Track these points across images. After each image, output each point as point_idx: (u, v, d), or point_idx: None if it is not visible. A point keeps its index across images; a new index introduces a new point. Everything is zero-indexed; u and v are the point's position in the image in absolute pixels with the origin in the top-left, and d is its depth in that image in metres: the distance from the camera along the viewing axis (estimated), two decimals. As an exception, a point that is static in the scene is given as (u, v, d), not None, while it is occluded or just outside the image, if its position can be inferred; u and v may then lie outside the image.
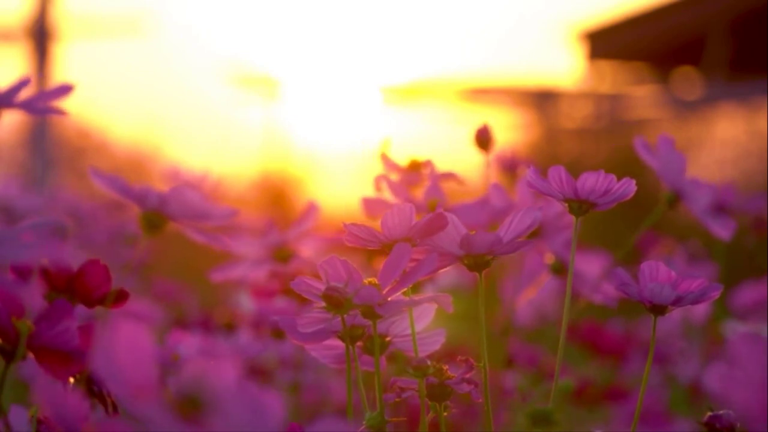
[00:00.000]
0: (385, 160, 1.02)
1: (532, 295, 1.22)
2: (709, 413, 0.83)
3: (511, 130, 8.39)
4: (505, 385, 1.31)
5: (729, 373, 0.56)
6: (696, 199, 1.02)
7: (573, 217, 0.80)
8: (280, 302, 1.19)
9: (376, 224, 0.77)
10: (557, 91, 8.40)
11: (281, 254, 1.11)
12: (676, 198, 1.02)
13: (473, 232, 0.76)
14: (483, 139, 1.03)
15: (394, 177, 1.01)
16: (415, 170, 1.01)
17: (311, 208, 1.11)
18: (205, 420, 0.55)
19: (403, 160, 1.02)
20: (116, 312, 0.79)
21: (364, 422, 0.77)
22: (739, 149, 7.42)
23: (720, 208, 1.41)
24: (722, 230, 1.03)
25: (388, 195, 1.00)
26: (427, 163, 1.01)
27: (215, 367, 0.56)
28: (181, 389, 0.56)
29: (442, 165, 1.03)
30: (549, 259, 1.14)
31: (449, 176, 1.01)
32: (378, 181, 1.00)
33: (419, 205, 0.98)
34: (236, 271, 1.12)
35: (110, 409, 0.78)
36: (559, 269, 1.13)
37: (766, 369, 0.56)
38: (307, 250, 1.12)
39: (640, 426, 1.37)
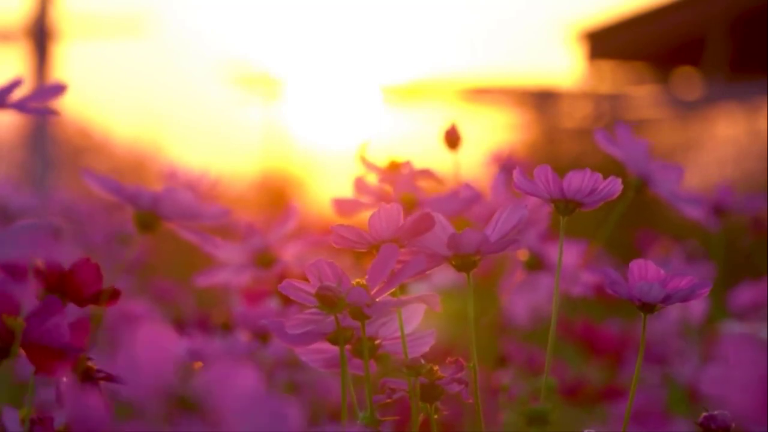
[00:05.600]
0: (364, 161, 1.02)
1: (516, 289, 1.22)
2: (705, 413, 0.83)
3: (511, 130, 8.39)
4: (498, 385, 1.31)
5: (721, 373, 0.56)
6: (663, 182, 1.02)
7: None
8: (267, 305, 1.19)
9: (363, 225, 0.77)
10: (557, 91, 8.40)
11: (264, 259, 1.11)
12: (644, 184, 1.02)
13: (460, 232, 0.76)
14: (451, 138, 1.03)
15: (372, 178, 1.01)
16: (394, 170, 1.01)
17: (291, 211, 1.11)
18: (222, 426, 0.55)
19: (382, 160, 1.02)
20: (110, 311, 0.79)
21: (357, 422, 0.77)
22: (739, 149, 7.42)
23: (717, 209, 1.41)
24: (694, 212, 1.03)
25: (364, 196, 1.00)
26: (406, 163, 1.01)
27: (234, 373, 0.56)
28: (198, 393, 0.56)
29: (441, 166, 1.03)
30: (523, 254, 1.14)
31: (427, 174, 1.01)
32: (356, 183, 1.00)
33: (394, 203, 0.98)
34: (220, 276, 1.11)
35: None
36: (534, 264, 1.13)
37: (759, 369, 0.55)
38: (289, 254, 1.12)
39: (638, 426, 1.37)
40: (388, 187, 1.00)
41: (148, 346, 0.56)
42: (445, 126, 1.03)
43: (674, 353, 1.58)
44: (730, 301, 1.54)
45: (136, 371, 0.56)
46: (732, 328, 1.51)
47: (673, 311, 1.57)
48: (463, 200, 0.98)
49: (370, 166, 1.02)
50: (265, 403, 0.55)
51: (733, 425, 0.82)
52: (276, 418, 0.55)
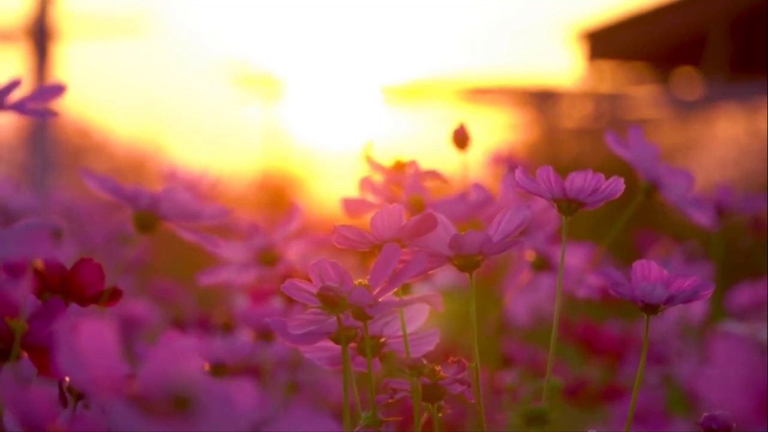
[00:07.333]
0: (369, 161, 1.02)
1: (520, 290, 1.22)
2: (705, 413, 0.83)
3: (511, 130, 8.39)
4: (501, 385, 1.31)
5: (710, 373, 0.56)
6: (672, 187, 1.02)
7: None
8: (270, 303, 1.19)
9: (365, 225, 0.77)
10: (557, 91, 8.39)
11: (267, 257, 1.11)
12: (653, 188, 1.02)
13: (462, 232, 0.76)
14: (460, 138, 1.03)
15: (378, 177, 1.01)
16: (400, 170, 1.01)
17: (295, 210, 1.11)
18: (171, 414, 0.54)
19: (387, 160, 1.02)
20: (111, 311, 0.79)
21: (359, 423, 0.77)
22: (739, 149, 7.42)
23: (717, 209, 1.41)
24: (702, 217, 1.03)
25: (371, 196, 1.00)
26: (412, 163, 1.01)
27: (181, 360, 0.55)
28: (147, 383, 0.55)
29: (441, 166, 1.02)
30: (530, 255, 1.14)
31: (433, 174, 1.00)
32: (362, 182, 1.00)
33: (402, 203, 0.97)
34: (223, 275, 1.11)
35: (69, 405, 0.77)
36: (541, 265, 1.13)
37: (748, 370, 0.55)
38: (293, 253, 1.12)
39: (638, 426, 1.37)
40: (394, 187, 1.00)
41: (90, 338, 0.56)
42: (454, 126, 1.03)
43: (674, 353, 1.58)
44: (729, 301, 1.54)
45: (79, 363, 0.56)
46: (731, 328, 1.51)
47: (673, 311, 1.57)
48: (472, 203, 0.98)
49: (375, 166, 1.02)
50: (214, 388, 0.55)
51: (734, 425, 0.82)
52: (224, 399, 0.55)
